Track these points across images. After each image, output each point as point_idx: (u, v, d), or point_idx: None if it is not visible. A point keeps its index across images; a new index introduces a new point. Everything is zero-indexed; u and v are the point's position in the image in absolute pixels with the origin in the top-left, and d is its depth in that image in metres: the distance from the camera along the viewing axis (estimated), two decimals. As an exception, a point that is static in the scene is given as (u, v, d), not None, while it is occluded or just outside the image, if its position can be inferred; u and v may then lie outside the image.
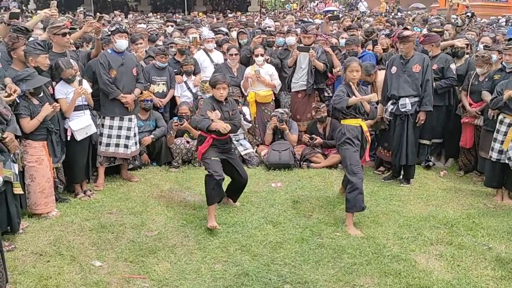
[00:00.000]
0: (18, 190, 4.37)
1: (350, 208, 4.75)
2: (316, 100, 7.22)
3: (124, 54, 5.94)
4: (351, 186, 4.72)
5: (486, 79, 6.06)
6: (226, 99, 4.97)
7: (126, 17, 19.90)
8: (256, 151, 7.07)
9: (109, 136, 5.89)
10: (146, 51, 7.33)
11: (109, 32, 6.33)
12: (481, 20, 13.39)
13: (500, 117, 5.40)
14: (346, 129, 4.90)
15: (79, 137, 5.29)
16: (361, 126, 4.93)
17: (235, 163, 5.10)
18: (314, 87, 7.15)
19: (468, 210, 5.27)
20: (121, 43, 5.84)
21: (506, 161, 5.31)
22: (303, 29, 7.33)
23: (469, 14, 8.29)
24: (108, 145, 5.89)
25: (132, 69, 5.97)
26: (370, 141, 5.15)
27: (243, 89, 7.27)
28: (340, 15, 12.55)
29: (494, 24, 11.65)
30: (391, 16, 17.86)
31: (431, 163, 6.78)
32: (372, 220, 4.96)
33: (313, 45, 7.14)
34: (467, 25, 7.86)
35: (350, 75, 4.93)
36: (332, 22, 9.34)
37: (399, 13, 21.61)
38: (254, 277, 3.85)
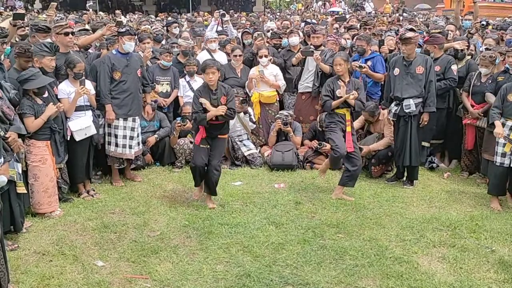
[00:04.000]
0: (21, 189, 4.39)
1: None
2: (320, 104, 7.18)
3: (129, 55, 5.93)
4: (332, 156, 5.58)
5: (490, 81, 6.04)
6: (217, 88, 5.14)
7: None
8: (259, 152, 7.07)
9: (116, 136, 5.90)
10: (152, 51, 7.35)
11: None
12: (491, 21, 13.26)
13: (502, 120, 5.35)
14: (330, 117, 5.59)
15: (78, 137, 5.30)
16: (345, 115, 5.50)
17: (215, 152, 5.23)
18: (320, 90, 7.11)
19: (471, 212, 5.25)
20: (130, 45, 5.84)
21: (511, 165, 5.26)
22: (312, 29, 7.32)
23: (484, 23, 8.26)
24: (117, 145, 5.91)
25: (137, 70, 5.97)
26: (352, 129, 5.62)
27: (247, 90, 7.28)
28: (347, 16, 12.53)
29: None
30: (395, 17, 17.79)
31: (434, 165, 6.77)
32: (375, 221, 4.95)
33: (322, 47, 7.12)
34: (482, 32, 7.80)
35: (335, 68, 5.59)
36: (339, 23, 9.32)
37: (404, 14, 21.54)
38: (256, 278, 3.85)
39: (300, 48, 7.52)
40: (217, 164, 5.28)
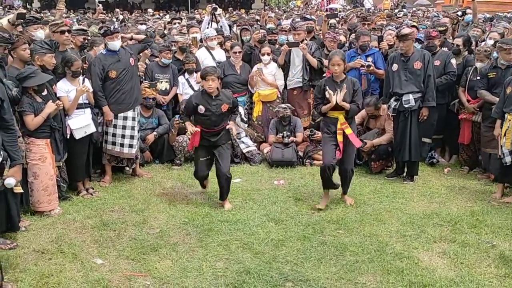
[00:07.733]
0: (18, 189, 4.33)
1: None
2: (312, 98, 7.17)
3: (118, 51, 5.82)
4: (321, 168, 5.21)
5: (479, 77, 6.03)
6: (218, 94, 5.11)
7: (130, 14, 19.89)
8: (258, 148, 7.06)
9: (114, 135, 5.87)
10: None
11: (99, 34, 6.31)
12: (484, 16, 13.23)
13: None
14: (324, 121, 5.28)
15: (77, 136, 5.28)
16: (337, 118, 5.08)
17: (220, 158, 5.17)
18: (310, 84, 7.11)
19: (472, 208, 5.24)
20: (114, 44, 5.73)
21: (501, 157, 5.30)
22: (292, 26, 7.34)
23: (459, 13, 8.17)
24: (114, 143, 5.88)
25: (130, 60, 5.87)
26: (350, 133, 5.11)
27: (249, 87, 7.28)
28: (342, 13, 12.48)
29: (495, 19, 11.50)
30: (394, 13, 17.73)
31: (435, 160, 6.76)
32: (375, 217, 4.94)
33: (305, 41, 7.12)
34: (458, 24, 7.72)
35: (332, 68, 5.10)
36: (331, 20, 9.23)
37: (404, 10, 21.46)
38: (255, 275, 3.84)
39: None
40: (227, 171, 5.17)
